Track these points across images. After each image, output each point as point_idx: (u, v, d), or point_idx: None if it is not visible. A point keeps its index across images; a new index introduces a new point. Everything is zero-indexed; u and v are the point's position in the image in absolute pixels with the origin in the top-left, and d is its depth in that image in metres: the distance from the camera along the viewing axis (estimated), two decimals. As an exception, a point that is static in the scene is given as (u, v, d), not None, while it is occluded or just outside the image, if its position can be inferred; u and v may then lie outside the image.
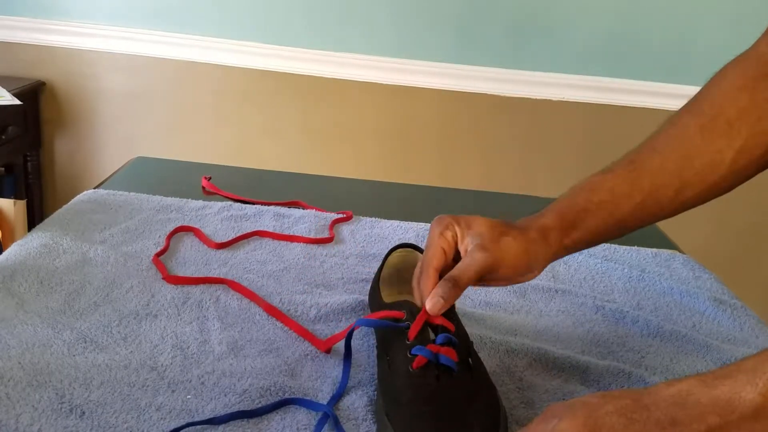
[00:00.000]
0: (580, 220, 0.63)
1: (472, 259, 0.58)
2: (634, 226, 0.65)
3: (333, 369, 0.64)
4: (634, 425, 0.43)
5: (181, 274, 0.80)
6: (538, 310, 0.80)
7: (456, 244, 0.62)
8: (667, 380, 0.45)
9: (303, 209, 1.04)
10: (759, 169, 0.63)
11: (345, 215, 1.01)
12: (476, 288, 0.66)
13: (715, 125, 0.62)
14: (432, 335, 0.60)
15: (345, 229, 0.98)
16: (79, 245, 0.83)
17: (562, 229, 0.62)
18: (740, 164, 0.62)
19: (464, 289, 0.58)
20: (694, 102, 0.66)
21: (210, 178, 1.12)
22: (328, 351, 0.67)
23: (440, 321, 0.59)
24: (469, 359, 0.59)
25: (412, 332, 0.58)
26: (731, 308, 0.83)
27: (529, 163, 2.09)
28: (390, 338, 0.61)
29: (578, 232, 0.63)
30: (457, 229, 0.62)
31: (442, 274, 0.60)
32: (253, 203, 1.04)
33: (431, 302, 0.58)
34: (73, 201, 0.98)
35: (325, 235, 0.95)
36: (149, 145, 2.17)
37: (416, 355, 0.57)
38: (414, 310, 0.61)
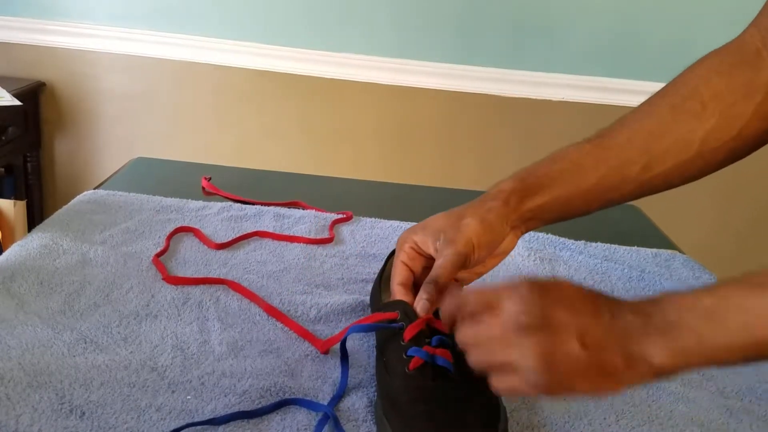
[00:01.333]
0: (541, 186, 0.63)
1: (443, 256, 0.60)
2: (599, 201, 0.65)
3: (333, 369, 0.64)
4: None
5: (181, 274, 0.80)
6: (538, 310, 0.80)
7: (420, 252, 0.64)
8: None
9: (303, 209, 1.04)
10: (729, 156, 0.63)
11: (345, 215, 1.01)
12: (473, 278, 0.66)
13: (687, 105, 0.62)
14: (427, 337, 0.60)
15: (345, 230, 0.98)
16: (79, 246, 0.83)
17: (522, 192, 0.62)
18: (710, 146, 0.61)
19: (446, 286, 0.60)
20: (670, 84, 0.65)
21: (210, 179, 1.12)
22: (326, 352, 0.66)
23: (437, 325, 0.59)
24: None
25: (408, 334, 0.58)
26: (731, 308, 0.83)
27: (528, 164, 2.09)
28: (386, 339, 0.62)
29: (540, 198, 0.63)
30: (415, 237, 0.64)
31: (420, 280, 0.62)
32: (253, 204, 1.04)
33: (419, 306, 0.59)
34: (73, 201, 0.98)
35: (325, 235, 0.95)
36: (149, 145, 2.17)
37: (412, 357, 0.57)
38: (408, 310, 0.61)
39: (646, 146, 0.62)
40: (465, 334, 0.51)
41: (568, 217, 0.66)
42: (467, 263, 0.61)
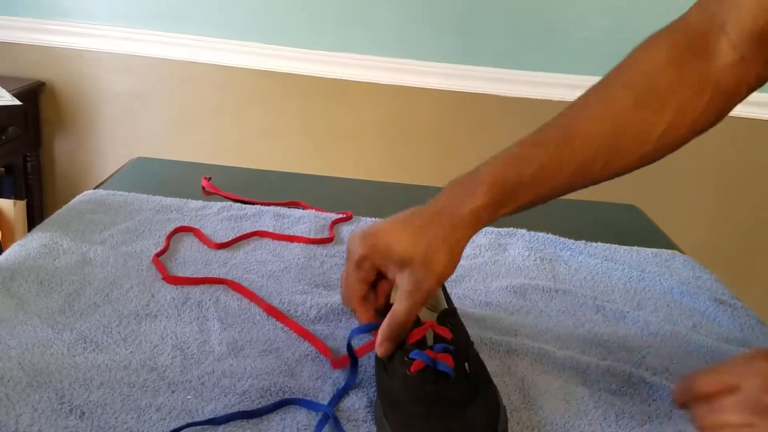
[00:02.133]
0: (514, 194, 0.61)
1: (409, 301, 0.57)
2: (561, 195, 0.64)
3: (333, 370, 0.64)
4: None
5: (181, 274, 0.80)
6: (538, 310, 0.80)
7: (376, 272, 0.61)
8: None
9: (303, 209, 1.04)
10: (679, 145, 0.63)
11: (345, 215, 1.01)
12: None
13: (647, 100, 0.62)
14: (428, 340, 0.60)
15: (345, 230, 0.98)
16: (78, 246, 0.83)
17: (495, 206, 0.61)
18: (667, 138, 0.62)
19: (407, 326, 0.58)
20: (624, 70, 0.64)
21: (210, 179, 1.12)
22: (339, 366, 0.65)
23: (439, 330, 0.60)
24: (467, 363, 0.59)
25: (411, 338, 0.59)
26: (731, 308, 0.83)
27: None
28: None
29: (511, 206, 0.62)
30: (376, 261, 0.60)
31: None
32: (253, 203, 1.04)
33: (382, 349, 0.59)
34: (72, 201, 0.98)
35: (325, 235, 0.95)
36: (149, 145, 2.17)
37: (414, 360, 0.57)
38: None
39: (608, 143, 0.62)
40: (701, 418, 0.48)
41: (532, 206, 0.65)
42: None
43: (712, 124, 0.63)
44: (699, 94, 0.61)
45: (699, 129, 0.62)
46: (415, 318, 0.59)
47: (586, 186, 0.64)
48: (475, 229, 0.60)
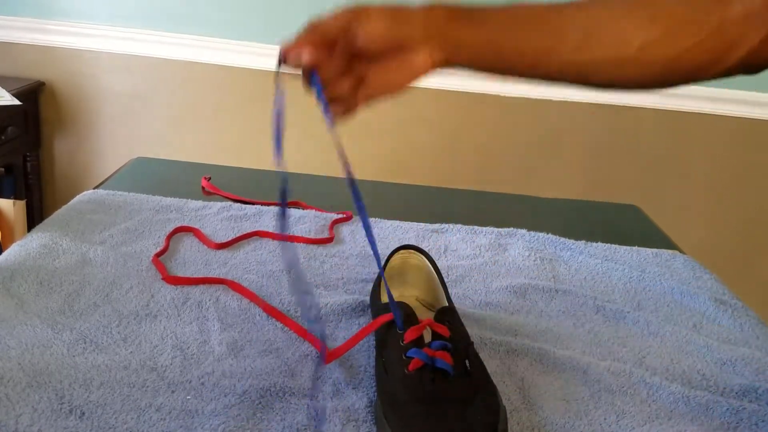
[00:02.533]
0: (473, 19, 0.59)
1: (332, 15, 0.58)
2: (531, 63, 0.61)
3: (333, 370, 0.64)
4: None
5: (180, 274, 0.80)
6: (538, 310, 0.80)
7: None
8: None
9: (303, 209, 1.04)
10: (664, 75, 0.61)
11: (345, 215, 1.01)
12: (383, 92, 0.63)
13: (637, 11, 0.60)
14: (427, 338, 0.60)
15: (345, 230, 0.98)
16: (78, 246, 0.83)
17: (452, 14, 0.59)
18: (647, 54, 0.60)
19: (322, 35, 0.59)
20: None
21: (210, 179, 1.12)
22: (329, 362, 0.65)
23: (438, 328, 0.60)
24: (467, 361, 0.59)
25: (409, 336, 0.59)
26: (732, 308, 0.83)
27: (529, 163, 2.09)
28: (385, 339, 0.62)
29: (469, 30, 0.59)
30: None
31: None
32: (253, 203, 1.04)
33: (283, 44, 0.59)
34: (72, 201, 0.98)
35: (325, 235, 0.95)
36: (149, 145, 2.17)
37: (412, 358, 0.57)
38: (410, 312, 0.61)
39: (586, 29, 0.60)
40: None
41: (499, 69, 0.62)
42: (355, 27, 0.58)
43: (697, 68, 0.60)
44: (696, 26, 0.59)
45: (691, 65, 0.60)
46: (326, 24, 0.58)
47: (549, 71, 0.61)
48: (428, 15, 0.58)
